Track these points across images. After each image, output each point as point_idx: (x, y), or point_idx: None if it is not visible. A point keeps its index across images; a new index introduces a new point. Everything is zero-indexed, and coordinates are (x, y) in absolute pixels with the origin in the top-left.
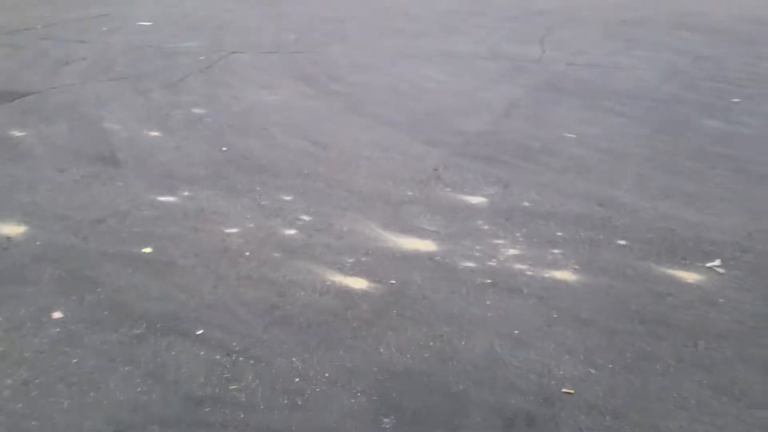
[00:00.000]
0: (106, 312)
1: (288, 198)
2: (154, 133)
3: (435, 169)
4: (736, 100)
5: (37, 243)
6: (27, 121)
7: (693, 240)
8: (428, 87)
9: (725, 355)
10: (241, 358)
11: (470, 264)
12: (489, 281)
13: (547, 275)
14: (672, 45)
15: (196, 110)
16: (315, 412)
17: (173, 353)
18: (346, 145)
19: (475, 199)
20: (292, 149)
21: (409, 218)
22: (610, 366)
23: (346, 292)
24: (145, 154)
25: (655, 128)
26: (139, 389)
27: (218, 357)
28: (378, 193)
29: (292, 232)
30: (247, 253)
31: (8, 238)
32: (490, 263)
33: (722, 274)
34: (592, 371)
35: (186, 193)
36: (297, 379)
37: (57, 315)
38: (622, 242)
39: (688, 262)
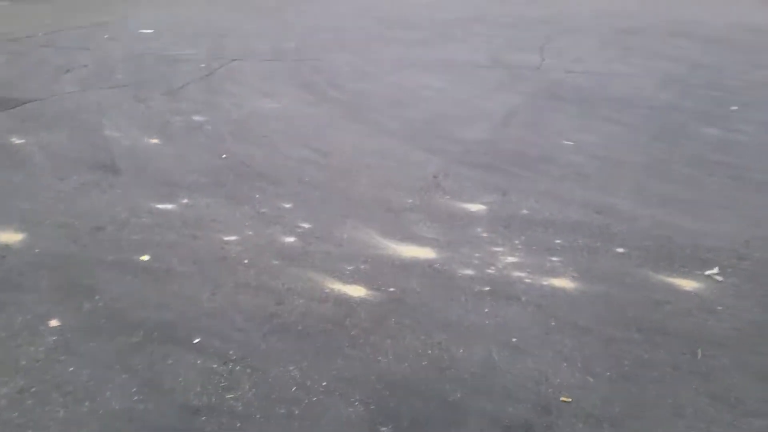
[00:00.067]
0: (104, 320)
1: (287, 205)
2: (154, 141)
3: (434, 177)
4: (733, 107)
5: (36, 250)
6: (27, 129)
7: (690, 247)
8: (427, 95)
9: (722, 363)
10: (238, 367)
11: (469, 271)
12: (487, 289)
13: (545, 283)
14: (669, 53)
15: (197, 118)
16: (312, 421)
17: (170, 362)
18: (345, 153)
19: (474, 207)
20: (292, 157)
21: (409, 226)
22: (608, 374)
23: (344, 300)
24: (145, 161)
25: (653, 136)
26: (135, 398)
27: (215, 366)
28: (377, 201)
29: (291, 239)
30: (246, 261)
31: (7, 246)
32: (489, 271)
33: (720, 281)
34: (590, 379)
35: (185, 201)
36: (294, 389)
37: (54, 323)
38: (620, 250)
39: (685, 269)
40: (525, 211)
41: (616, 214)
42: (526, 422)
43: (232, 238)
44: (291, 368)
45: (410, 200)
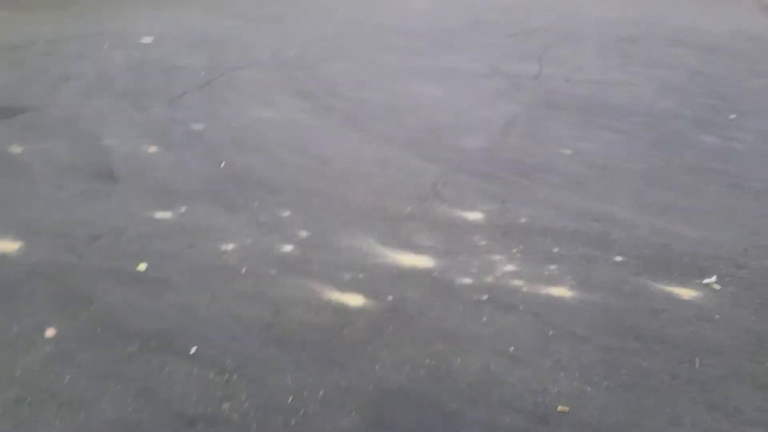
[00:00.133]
0: (100, 329)
1: (286, 214)
2: (153, 149)
3: (433, 185)
4: (732, 116)
5: (33, 259)
6: (26, 137)
7: (689, 256)
8: (427, 103)
9: (720, 372)
10: (234, 377)
11: (467, 280)
12: (485, 298)
13: (543, 292)
14: (668, 61)
15: (196, 126)
16: (308, 431)
17: (166, 371)
18: (344, 161)
19: (473, 215)
20: (291, 165)
21: (407, 234)
22: (606, 383)
23: (342, 309)
24: (144, 170)
25: (651, 144)
26: (131, 408)
27: (212, 375)
28: (376, 209)
29: (289, 248)
30: (244, 270)
31: (3, 255)
32: (487, 279)
33: (718, 290)
34: (588, 388)
35: (183, 209)
36: (291, 398)
37: (50, 332)
38: (619, 258)
39: (684, 278)
40: (523, 220)
41: (614, 222)
42: None
43: (230, 246)
44: (288, 378)
45: (409, 208)
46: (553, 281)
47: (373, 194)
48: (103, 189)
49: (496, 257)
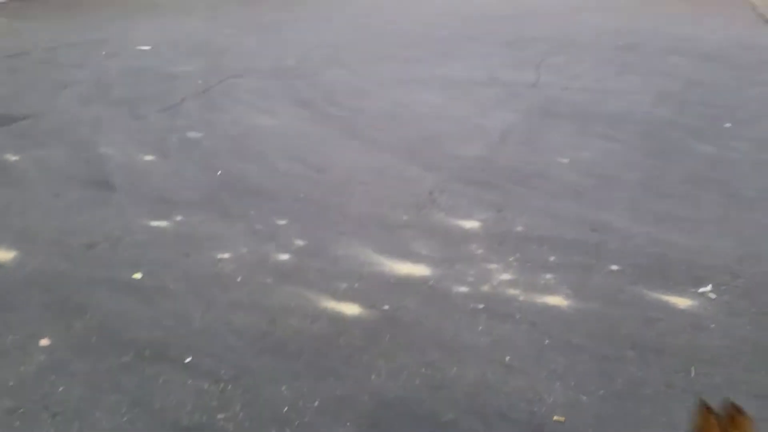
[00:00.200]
0: (94, 339)
1: (282, 222)
2: (150, 158)
3: (430, 194)
4: (727, 125)
5: (28, 268)
6: (22, 145)
7: (685, 265)
8: (424, 112)
9: (716, 381)
10: (229, 387)
11: (463, 289)
12: (482, 307)
13: (539, 300)
14: (664, 70)
15: (193, 134)
16: None
17: (161, 381)
18: (342, 169)
19: (470, 224)
20: (288, 173)
21: (404, 242)
22: (601, 393)
23: (338, 318)
24: (140, 178)
25: (647, 153)
26: (125, 418)
27: (206, 385)
28: (373, 218)
29: (285, 256)
30: (239, 279)
31: None
32: (483, 288)
33: (713, 299)
34: (583, 398)
35: (179, 218)
36: (286, 408)
37: (44, 342)
38: (615, 267)
39: (679, 287)
40: (520, 228)
41: (610, 231)
42: None
43: (226, 255)
44: (283, 388)
45: (406, 217)
46: (549, 290)
47: (370, 202)
48: (100, 197)
49: (493, 266)
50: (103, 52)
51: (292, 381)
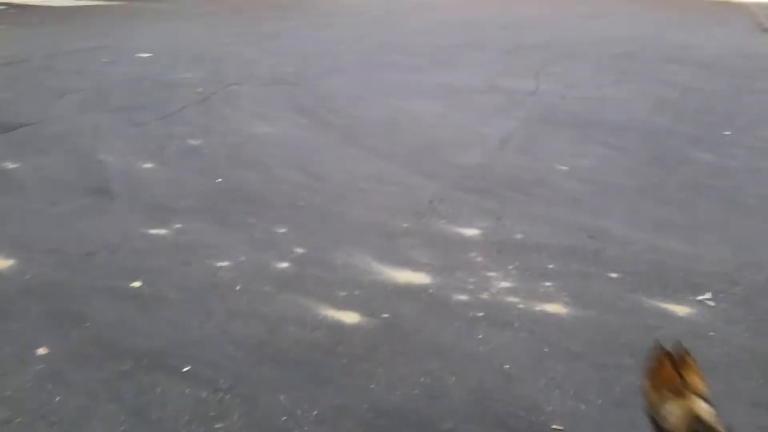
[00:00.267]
0: (92, 348)
1: (282, 230)
2: (149, 165)
3: (430, 201)
4: (726, 132)
5: (26, 277)
6: (21, 153)
7: (683, 272)
8: (424, 120)
9: (714, 389)
10: (227, 396)
11: (463, 297)
12: (481, 314)
13: (538, 308)
14: (663, 78)
15: (192, 142)
16: None
17: (159, 391)
18: (341, 177)
19: (469, 232)
20: (288, 181)
21: (404, 250)
22: (600, 401)
23: (337, 327)
24: (139, 186)
25: (646, 160)
26: (122, 428)
27: (204, 394)
28: (373, 225)
29: (284, 265)
30: (238, 287)
31: None
32: (483, 296)
33: (712, 307)
34: (582, 406)
35: (178, 226)
36: (284, 418)
37: (42, 351)
38: (613, 275)
39: (678, 294)
40: (519, 236)
41: (609, 238)
42: None
43: (225, 263)
44: (281, 397)
45: (405, 225)
46: (548, 298)
47: (369, 210)
48: (98, 205)
49: (492, 274)
50: (103, 60)
51: (290, 390)
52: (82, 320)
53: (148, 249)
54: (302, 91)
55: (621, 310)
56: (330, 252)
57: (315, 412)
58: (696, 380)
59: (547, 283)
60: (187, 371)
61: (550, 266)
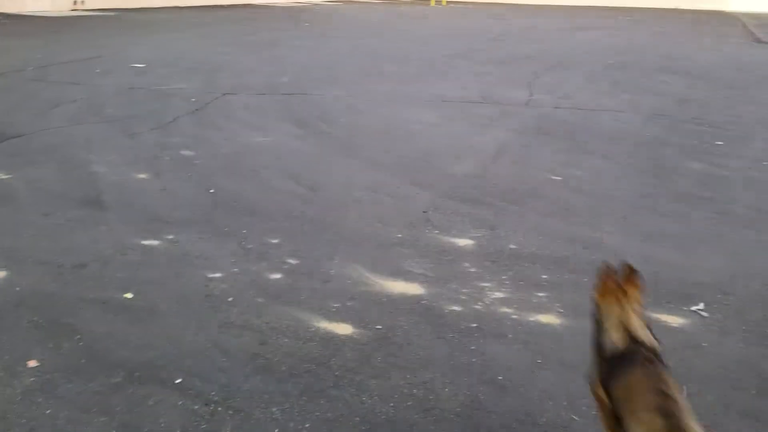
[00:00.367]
0: (84, 360)
1: (275, 241)
2: (142, 176)
3: (424, 212)
4: (718, 142)
5: (17, 289)
6: (13, 164)
7: (677, 283)
8: (418, 130)
9: (707, 400)
10: (219, 408)
11: (456, 308)
12: (474, 325)
13: (531, 319)
14: (656, 88)
15: (186, 152)
16: None
17: (150, 403)
18: (335, 187)
19: (463, 242)
20: (281, 191)
21: (398, 261)
22: (593, 412)
23: (330, 339)
24: (132, 197)
25: (639, 171)
26: None
27: (196, 407)
28: (367, 236)
29: (277, 276)
30: (230, 299)
31: None
32: (476, 307)
33: (705, 317)
34: (575, 418)
35: (170, 237)
36: (276, 430)
37: (32, 363)
38: None
39: (671, 305)
40: (512, 246)
41: (602, 249)
42: None
43: (217, 275)
44: (274, 409)
45: (399, 235)
46: (542, 308)
47: (363, 221)
48: (91, 216)
49: (486, 284)
50: (97, 70)
51: (282, 402)
52: (74, 332)
53: (140, 260)
54: (297, 102)
55: None
56: (323, 263)
57: (307, 425)
58: (635, 292)
59: (541, 294)
60: (179, 383)
61: (544, 277)
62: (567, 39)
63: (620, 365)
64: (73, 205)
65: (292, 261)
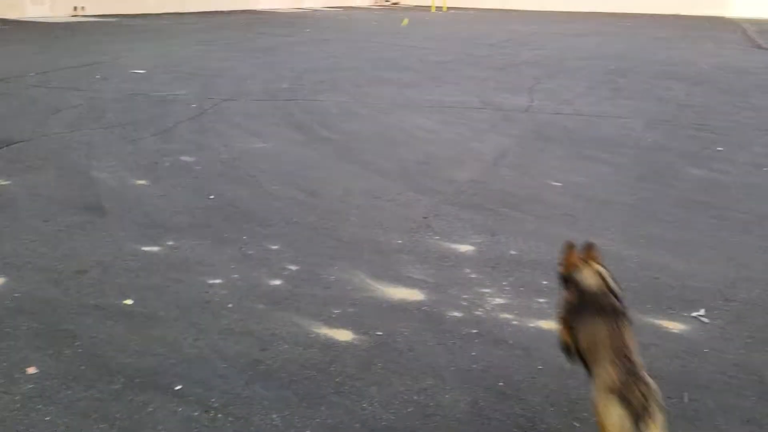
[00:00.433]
0: (83, 367)
1: (275, 247)
2: (142, 182)
3: (424, 217)
4: (719, 148)
5: (16, 295)
6: (13, 170)
7: (677, 288)
8: (419, 136)
9: (708, 407)
10: (219, 415)
11: (457, 314)
12: (475, 331)
13: (532, 325)
14: (656, 94)
15: (185, 158)
16: None
17: (150, 410)
18: (335, 193)
19: (463, 248)
20: (281, 197)
21: (398, 267)
22: (593, 420)
23: (330, 345)
24: (132, 203)
25: (640, 176)
26: None
27: (196, 414)
28: (367, 242)
29: (277, 282)
30: (230, 305)
31: None
32: (477, 312)
33: (706, 323)
34: (576, 424)
35: (170, 243)
36: None
37: (32, 370)
38: None
39: (672, 311)
40: (513, 252)
41: (603, 254)
42: None
43: (217, 281)
44: (274, 416)
45: (400, 241)
46: (542, 314)
47: (363, 227)
48: (91, 222)
49: (486, 290)
50: (97, 76)
51: (283, 409)
52: (73, 338)
53: (140, 266)
54: (296, 107)
55: None
56: (323, 269)
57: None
58: (596, 257)
59: (542, 300)
60: (179, 390)
61: (545, 283)
62: (567, 45)
63: (590, 309)
64: (73, 211)
65: (292, 267)
